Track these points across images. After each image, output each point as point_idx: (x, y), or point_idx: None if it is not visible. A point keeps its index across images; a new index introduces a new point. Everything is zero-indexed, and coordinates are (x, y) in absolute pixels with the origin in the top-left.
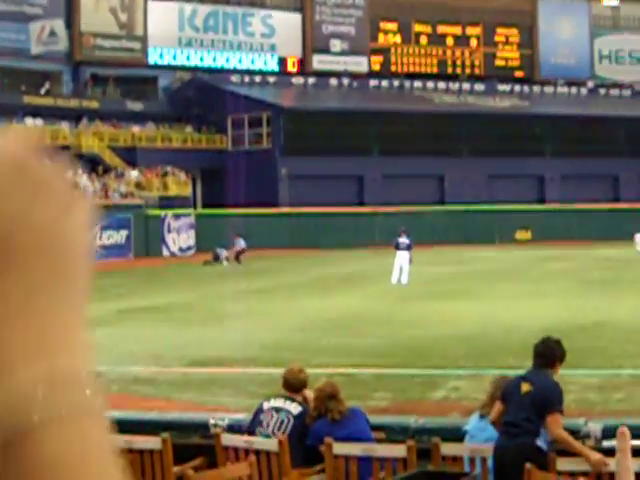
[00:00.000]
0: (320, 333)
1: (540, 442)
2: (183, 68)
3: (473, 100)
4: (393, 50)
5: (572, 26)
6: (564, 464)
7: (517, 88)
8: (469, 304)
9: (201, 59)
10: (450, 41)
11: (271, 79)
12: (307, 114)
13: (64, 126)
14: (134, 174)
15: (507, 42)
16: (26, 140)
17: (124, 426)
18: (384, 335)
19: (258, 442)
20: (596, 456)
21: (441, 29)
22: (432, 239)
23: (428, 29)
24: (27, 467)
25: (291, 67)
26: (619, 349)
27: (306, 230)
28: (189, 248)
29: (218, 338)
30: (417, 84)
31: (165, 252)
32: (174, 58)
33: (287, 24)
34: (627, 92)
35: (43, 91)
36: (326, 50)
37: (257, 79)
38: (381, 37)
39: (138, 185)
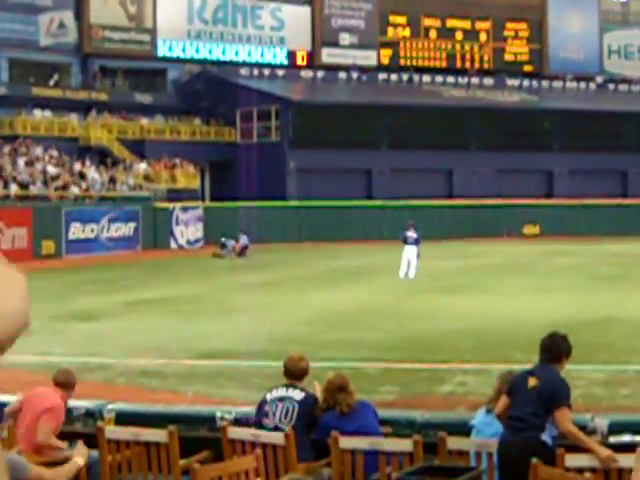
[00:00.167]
0: (327, 327)
1: (545, 437)
2: (192, 61)
3: (482, 94)
4: (402, 44)
5: (581, 21)
6: (571, 460)
7: (526, 83)
8: (476, 298)
9: (210, 52)
10: (459, 35)
11: (280, 72)
12: (316, 107)
13: (73, 118)
14: (142, 166)
15: (516, 37)
16: None
17: (131, 418)
18: (391, 329)
19: (264, 435)
20: (605, 452)
21: (450, 23)
22: (440, 233)
23: (437, 23)
24: None
25: (300, 60)
26: (626, 345)
27: (314, 223)
28: (197, 241)
29: (225, 331)
30: (426, 78)
31: (173, 245)
32: (183, 51)
33: (296, 17)
34: (636, 87)
35: (52, 83)
36: (335, 43)
37: (266, 72)
38: (390, 31)
39: (146, 177)
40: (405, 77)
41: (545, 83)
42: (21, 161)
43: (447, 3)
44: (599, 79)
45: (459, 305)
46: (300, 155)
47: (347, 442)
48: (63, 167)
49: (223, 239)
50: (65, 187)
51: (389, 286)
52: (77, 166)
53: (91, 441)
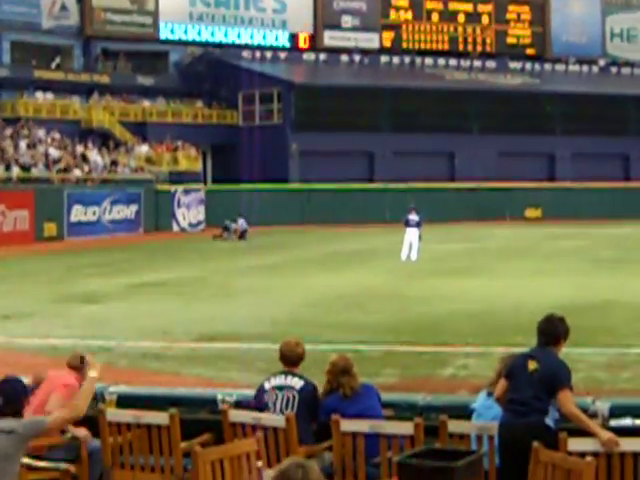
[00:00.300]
0: (329, 309)
1: (549, 421)
2: (194, 43)
3: (484, 77)
4: (404, 27)
5: (584, 4)
6: (573, 444)
7: (528, 66)
8: (478, 281)
9: (212, 34)
10: (462, 18)
11: (282, 55)
12: (318, 90)
13: (75, 100)
14: (144, 149)
15: (519, 19)
16: None
17: (132, 401)
18: (393, 312)
19: (265, 418)
20: (607, 435)
21: (452, 6)
22: (442, 216)
23: (439, 6)
24: None
25: (302, 43)
26: (628, 328)
27: (316, 206)
28: (199, 223)
29: (227, 313)
30: (428, 61)
31: (175, 227)
32: (185, 33)
33: (299, 0)
34: (639, 71)
35: (54, 65)
36: (337, 26)
37: (268, 55)
38: (392, 13)
39: (148, 160)
40: (407, 60)
41: (547, 66)
42: (23, 143)
43: None
44: (601, 62)
45: (461, 288)
46: (302, 138)
47: (348, 425)
48: (65, 150)
49: (227, 222)
50: (67, 170)
51: (391, 269)
52: (79, 148)
53: (92, 424)
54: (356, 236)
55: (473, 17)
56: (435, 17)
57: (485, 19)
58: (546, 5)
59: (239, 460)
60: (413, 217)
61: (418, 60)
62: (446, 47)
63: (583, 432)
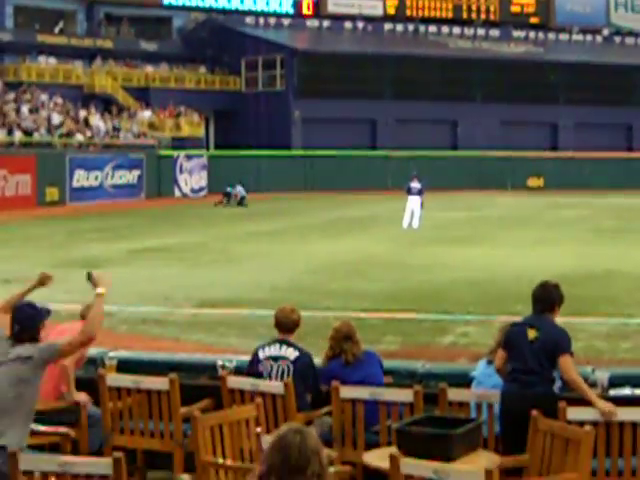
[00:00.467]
0: (330, 276)
1: (556, 389)
2: (198, 9)
3: (488, 46)
4: None
5: None
6: (572, 413)
7: (532, 35)
8: (480, 250)
9: (216, 0)
10: None
11: (286, 21)
12: (321, 57)
13: (77, 65)
14: (147, 114)
15: None
16: None
17: (132, 366)
18: (394, 279)
19: (264, 385)
20: (605, 405)
21: None
22: (444, 184)
23: None
24: None
25: (306, 10)
26: (629, 298)
27: (318, 173)
28: (201, 189)
29: (228, 279)
30: (432, 29)
31: (177, 193)
32: None
33: None
34: None
35: (57, 30)
36: None
37: (272, 21)
38: None
39: (151, 125)
40: (411, 27)
41: (551, 35)
42: (25, 108)
43: None
44: (605, 32)
45: (462, 256)
46: (305, 104)
47: (348, 391)
48: (67, 114)
49: (228, 189)
50: (69, 134)
51: (392, 236)
52: (82, 113)
53: (92, 389)
54: (358, 203)
55: None
56: None
57: None
58: None
59: (238, 426)
60: (415, 185)
61: (422, 28)
62: (450, 15)
63: (582, 401)
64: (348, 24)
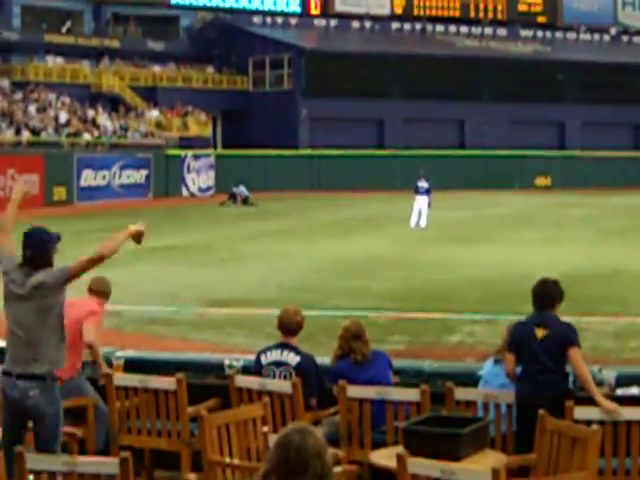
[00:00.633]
0: (337, 275)
1: (571, 385)
2: (205, 8)
3: (495, 45)
4: None
5: None
6: (580, 412)
7: (539, 34)
8: (487, 249)
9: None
10: None
11: (293, 21)
12: (329, 56)
13: (85, 65)
14: (154, 114)
15: None
16: None
17: (139, 366)
18: (401, 278)
19: (272, 384)
20: (610, 405)
21: None
22: (451, 184)
23: None
24: None
25: (313, 9)
26: (636, 297)
27: (326, 172)
28: (209, 189)
29: (235, 279)
30: (439, 28)
31: (184, 192)
32: None
33: None
34: None
35: (64, 29)
36: None
37: (279, 20)
38: None
39: (158, 125)
40: (418, 27)
41: (559, 34)
42: (33, 107)
43: None
44: (613, 31)
45: (469, 255)
46: (312, 104)
47: (355, 391)
48: (75, 114)
49: (234, 189)
50: (77, 134)
51: (400, 235)
52: (89, 113)
53: (100, 388)
54: (365, 203)
55: None
56: None
57: None
58: None
59: (245, 425)
60: (423, 184)
61: (429, 27)
62: (457, 14)
63: (590, 401)
64: (355, 23)
